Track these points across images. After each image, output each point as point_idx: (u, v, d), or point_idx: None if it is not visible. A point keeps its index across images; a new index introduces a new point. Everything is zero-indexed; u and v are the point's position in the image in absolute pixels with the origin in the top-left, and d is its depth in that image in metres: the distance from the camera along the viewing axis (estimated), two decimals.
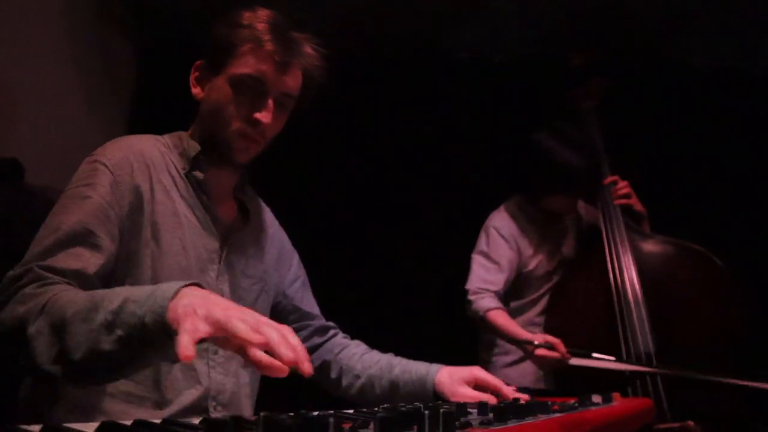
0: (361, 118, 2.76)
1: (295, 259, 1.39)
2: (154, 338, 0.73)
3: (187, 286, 0.76)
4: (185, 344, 0.65)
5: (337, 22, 2.67)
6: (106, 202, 1.02)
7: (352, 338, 1.41)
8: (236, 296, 1.17)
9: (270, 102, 1.11)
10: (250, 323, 0.69)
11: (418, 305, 2.61)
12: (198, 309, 0.71)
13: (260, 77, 1.11)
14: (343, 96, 2.26)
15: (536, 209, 2.14)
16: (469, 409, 0.75)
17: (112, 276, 1.03)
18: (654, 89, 2.81)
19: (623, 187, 2.13)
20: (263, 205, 1.36)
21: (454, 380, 1.22)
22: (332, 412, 0.67)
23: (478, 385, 1.22)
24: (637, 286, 1.95)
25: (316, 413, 0.58)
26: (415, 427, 0.48)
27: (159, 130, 2.93)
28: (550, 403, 0.95)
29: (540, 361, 1.83)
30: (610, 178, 2.15)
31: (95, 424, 0.54)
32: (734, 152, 2.76)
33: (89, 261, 0.95)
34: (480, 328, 2.05)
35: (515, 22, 2.70)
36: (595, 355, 1.77)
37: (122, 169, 1.07)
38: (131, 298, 0.77)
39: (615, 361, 1.77)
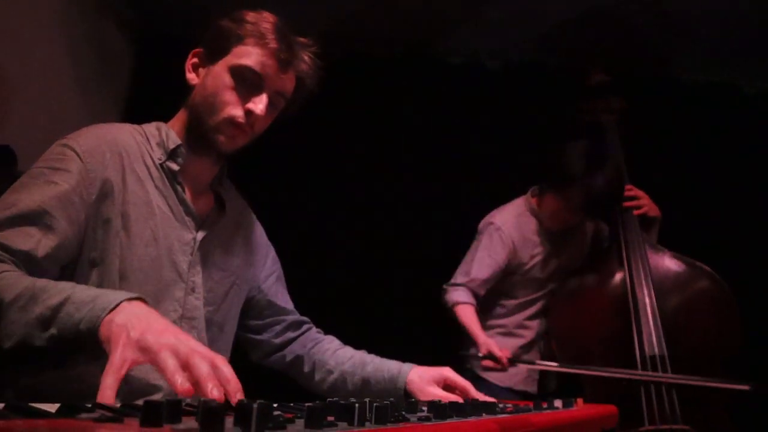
0: (353, 120, 2.80)
1: (271, 253, 1.40)
2: (85, 344, 0.74)
3: (130, 300, 0.76)
4: (106, 387, 0.65)
5: (331, 26, 2.71)
6: (70, 187, 1.01)
7: (327, 334, 1.43)
8: (207, 288, 1.18)
9: (265, 97, 1.14)
10: (181, 355, 0.68)
11: (399, 302, 2.64)
12: (131, 331, 0.70)
13: (260, 71, 1.14)
14: (336, 99, 2.30)
15: (543, 212, 2.14)
16: (421, 407, 0.78)
17: (78, 264, 1.03)
18: (643, 102, 2.84)
19: (640, 199, 2.17)
20: (241, 199, 1.36)
21: (424, 380, 1.24)
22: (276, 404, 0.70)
23: (448, 386, 1.25)
24: (651, 292, 2.01)
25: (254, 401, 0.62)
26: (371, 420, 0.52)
27: (153, 120, 2.97)
28: (503, 405, 0.99)
29: (483, 368, 1.97)
30: (628, 195, 2.18)
31: (56, 405, 0.56)
32: (721, 167, 2.79)
33: (40, 243, 0.94)
34: (445, 310, 2.11)
35: (507, 29, 2.74)
36: (538, 362, 1.93)
37: (93, 157, 1.06)
38: (72, 298, 0.77)
39: (558, 366, 1.91)
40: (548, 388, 2.10)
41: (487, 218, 2.16)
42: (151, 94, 2.92)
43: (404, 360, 1.32)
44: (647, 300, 1.99)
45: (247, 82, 1.14)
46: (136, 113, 2.91)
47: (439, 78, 2.94)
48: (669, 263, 2.09)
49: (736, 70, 2.87)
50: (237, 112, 1.13)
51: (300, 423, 0.48)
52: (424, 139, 2.86)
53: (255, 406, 0.41)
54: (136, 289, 1.01)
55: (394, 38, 2.86)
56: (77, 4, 2.55)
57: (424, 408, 0.78)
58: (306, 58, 1.20)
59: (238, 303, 1.28)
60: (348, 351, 1.36)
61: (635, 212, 2.14)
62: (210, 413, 0.39)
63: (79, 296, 0.77)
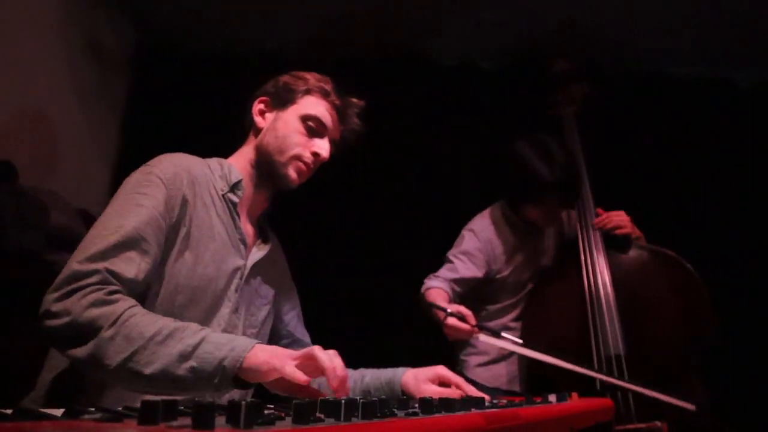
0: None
1: (294, 290, 1.54)
2: (224, 377, 0.94)
3: (256, 343, 0.96)
4: (297, 374, 0.89)
5: (324, 29, 2.74)
6: (158, 213, 1.13)
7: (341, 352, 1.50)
8: (249, 312, 1.31)
9: (327, 142, 1.37)
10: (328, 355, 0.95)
11: (394, 313, 2.66)
12: (279, 354, 0.94)
13: (325, 122, 1.36)
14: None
15: (517, 217, 2.16)
16: (413, 404, 0.81)
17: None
18: (632, 98, 2.87)
19: (605, 222, 2.11)
20: (275, 237, 1.50)
21: (419, 379, 1.29)
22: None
23: (443, 383, 1.29)
24: (609, 290, 1.99)
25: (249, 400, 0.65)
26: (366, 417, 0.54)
27: (151, 132, 3.00)
28: (497, 401, 1.01)
29: (449, 330, 1.83)
30: (597, 219, 2.14)
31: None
32: (711, 161, 2.82)
33: (140, 267, 1.07)
34: (422, 308, 2.04)
35: (497, 31, 2.77)
36: (503, 334, 1.79)
37: (174, 184, 1.19)
38: (208, 339, 0.96)
39: (521, 345, 1.79)
40: (535, 387, 2.08)
41: (467, 225, 2.19)
42: (150, 104, 2.97)
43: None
44: (603, 299, 1.98)
45: (313, 128, 1.35)
46: (135, 123, 2.96)
47: (432, 80, 2.97)
48: (631, 254, 2.07)
49: (727, 64, 2.90)
50: (305, 152, 1.34)
51: (288, 420, 0.51)
52: (420, 141, 2.89)
53: (244, 403, 0.44)
54: (192, 302, 1.18)
55: (387, 41, 2.90)
56: (76, 15, 2.59)
57: (416, 405, 0.81)
58: (354, 115, 1.43)
59: (269, 327, 1.42)
60: (348, 371, 1.43)
61: (617, 232, 2.08)
62: (202, 410, 0.42)
63: (214, 338, 0.97)
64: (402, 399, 0.80)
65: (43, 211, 1.78)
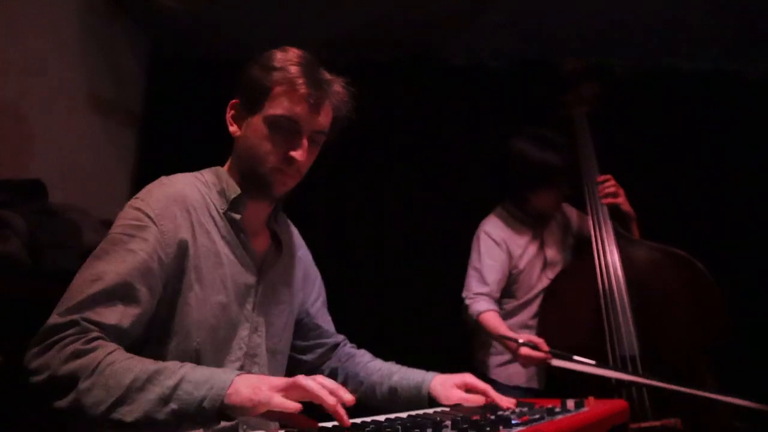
0: (362, 126, 2.86)
1: (318, 279, 1.51)
2: (206, 417, 0.90)
3: (239, 374, 0.92)
4: (286, 404, 0.86)
5: (336, 34, 2.78)
6: (148, 256, 1.08)
7: (358, 345, 1.55)
8: (269, 323, 1.29)
9: (304, 141, 1.20)
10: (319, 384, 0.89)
11: (415, 311, 2.73)
12: (262, 387, 0.89)
13: (295, 118, 1.19)
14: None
15: (523, 212, 2.25)
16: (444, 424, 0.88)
17: (156, 317, 1.11)
18: (643, 95, 2.89)
19: (610, 186, 2.20)
20: (291, 227, 1.46)
21: (446, 386, 1.35)
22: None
23: (469, 389, 1.35)
24: (623, 290, 2.03)
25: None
26: None
27: (168, 139, 3.04)
28: (519, 410, 1.08)
29: (523, 360, 1.92)
30: (601, 177, 2.23)
31: None
32: (724, 155, 2.83)
33: (125, 313, 1.03)
34: (473, 330, 2.16)
35: (507, 32, 2.80)
36: (576, 358, 1.84)
37: (165, 219, 1.13)
38: (187, 378, 0.92)
39: (595, 365, 1.83)
40: (553, 384, 2.12)
41: (478, 230, 2.26)
42: (164, 114, 3.02)
43: (420, 365, 1.43)
44: (618, 299, 2.01)
45: (284, 129, 1.19)
46: (152, 132, 3.02)
47: (443, 80, 3.00)
48: (643, 254, 2.10)
49: (734, 55, 2.90)
50: (279, 161, 1.20)
51: None
52: (431, 141, 2.93)
53: None
54: (209, 333, 1.15)
55: (397, 43, 2.93)
56: (93, 27, 2.64)
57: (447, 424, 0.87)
58: (337, 89, 1.25)
59: (292, 327, 1.40)
60: (377, 363, 1.48)
61: (604, 201, 2.17)
62: None
63: (193, 376, 0.93)
64: (436, 420, 0.86)
65: (76, 230, 1.85)
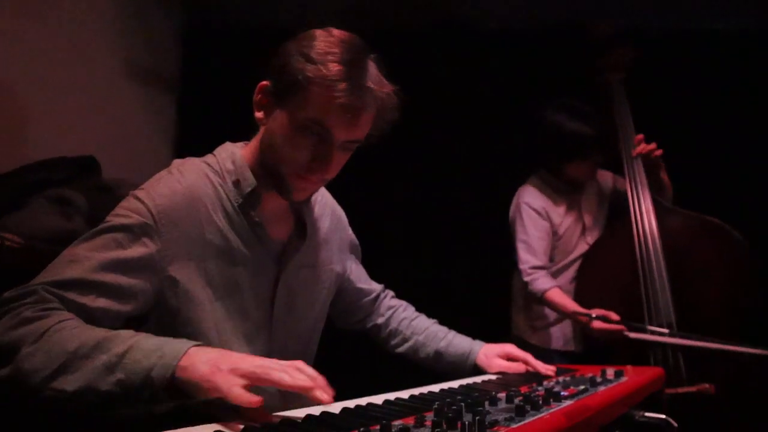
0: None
1: (356, 243, 1.49)
2: (154, 390, 0.80)
3: (196, 346, 0.83)
4: (243, 397, 0.76)
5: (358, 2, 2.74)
6: (138, 254, 1.01)
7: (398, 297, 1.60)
8: (298, 308, 1.24)
9: (332, 153, 1.07)
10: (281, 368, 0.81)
11: (456, 273, 2.80)
12: (221, 365, 0.79)
13: (327, 125, 1.05)
14: None
15: (558, 180, 2.29)
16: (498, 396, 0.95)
17: (162, 323, 1.06)
18: (680, 57, 2.82)
19: (650, 147, 2.18)
20: (321, 192, 1.33)
21: (490, 356, 1.48)
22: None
23: (511, 359, 1.48)
24: (660, 257, 2.07)
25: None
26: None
27: (207, 106, 3.08)
28: (561, 383, 1.15)
29: (598, 334, 2.00)
30: (638, 137, 2.22)
31: None
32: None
33: (96, 301, 0.95)
34: (536, 302, 2.22)
35: None
36: (650, 328, 1.94)
37: (167, 217, 1.05)
38: (137, 346, 0.83)
39: (669, 335, 1.93)
40: (589, 347, 2.19)
41: (514, 203, 2.31)
42: (201, 83, 3.08)
43: (461, 329, 1.54)
44: (655, 265, 2.06)
45: (314, 134, 1.06)
46: (189, 107, 3.08)
47: (472, 46, 2.97)
48: (679, 222, 2.14)
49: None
50: (303, 167, 1.09)
51: None
52: (461, 111, 2.93)
53: None
54: (231, 337, 1.10)
55: (423, 9, 2.89)
56: (126, 4, 2.67)
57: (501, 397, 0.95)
58: (382, 96, 1.09)
59: (327, 301, 1.35)
60: (423, 321, 1.56)
61: (634, 152, 2.19)
62: None
63: (144, 344, 0.83)
64: (491, 394, 0.95)
65: None
